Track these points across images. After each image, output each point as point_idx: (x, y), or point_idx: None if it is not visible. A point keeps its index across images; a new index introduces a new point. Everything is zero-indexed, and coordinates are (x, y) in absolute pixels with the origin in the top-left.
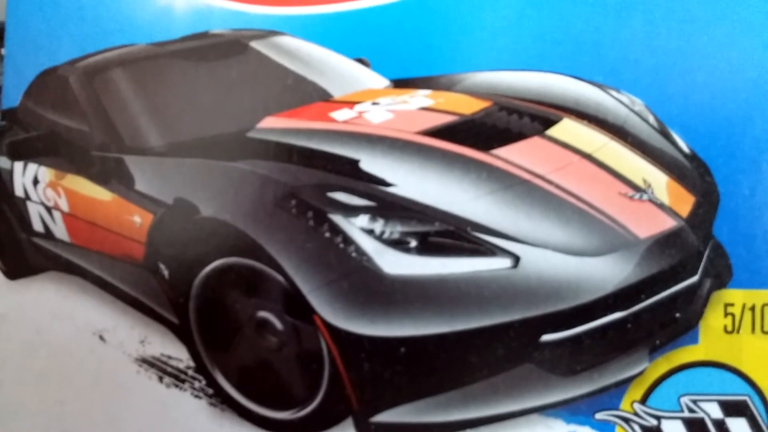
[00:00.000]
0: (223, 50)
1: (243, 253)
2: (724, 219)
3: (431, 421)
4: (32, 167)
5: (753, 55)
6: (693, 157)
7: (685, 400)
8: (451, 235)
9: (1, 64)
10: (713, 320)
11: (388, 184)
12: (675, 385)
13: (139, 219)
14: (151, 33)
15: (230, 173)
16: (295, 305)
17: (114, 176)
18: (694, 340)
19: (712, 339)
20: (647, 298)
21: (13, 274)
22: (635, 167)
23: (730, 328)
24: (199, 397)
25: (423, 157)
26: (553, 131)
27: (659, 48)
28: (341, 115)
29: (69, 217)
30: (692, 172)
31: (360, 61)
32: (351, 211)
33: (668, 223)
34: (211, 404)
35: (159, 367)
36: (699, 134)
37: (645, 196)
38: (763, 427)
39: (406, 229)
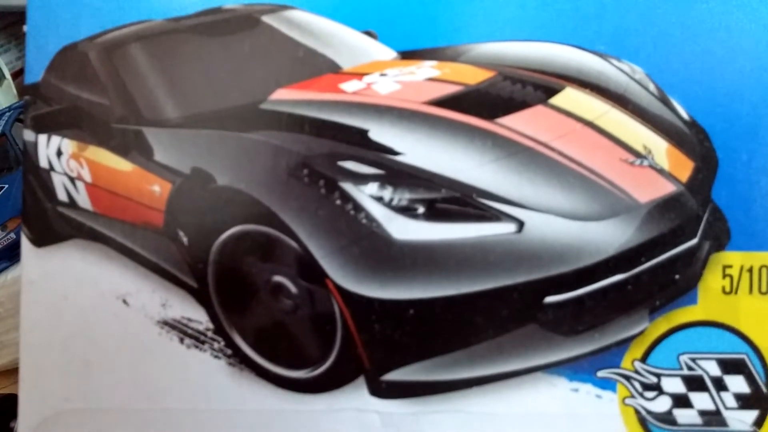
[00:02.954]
0: (235, 25)
1: (258, 220)
2: (722, 183)
3: (439, 379)
4: (55, 140)
5: (751, 24)
6: (692, 124)
7: (684, 358)
8: (457, 201)
9: (24, 41)
10: (712, 281)
11: (396, 153)
12: (674, 344)
13: (159, 188)
14: (167, 9)
15: (244, 143)
16: (309, 270)
17: (133, 147)
18: (693, 301)
19: (711, 300)
20: (647, 260)
21: (39, 242)
22: (636, 134)
23: (728, 289)
24: (218, 358)
25: (430, 127)
26: (555, 100)
27: (659, 17)
28: (350, 86)
29: (91, 187)
30: (691, 139)
31: (368, 33)
32: (361, 179)
33: (668, 188)
34: (230, 364)
35: (179, 329)
36: (698, 101)
37: (645, 162)
38: (761, 384)
39: (413, 196)
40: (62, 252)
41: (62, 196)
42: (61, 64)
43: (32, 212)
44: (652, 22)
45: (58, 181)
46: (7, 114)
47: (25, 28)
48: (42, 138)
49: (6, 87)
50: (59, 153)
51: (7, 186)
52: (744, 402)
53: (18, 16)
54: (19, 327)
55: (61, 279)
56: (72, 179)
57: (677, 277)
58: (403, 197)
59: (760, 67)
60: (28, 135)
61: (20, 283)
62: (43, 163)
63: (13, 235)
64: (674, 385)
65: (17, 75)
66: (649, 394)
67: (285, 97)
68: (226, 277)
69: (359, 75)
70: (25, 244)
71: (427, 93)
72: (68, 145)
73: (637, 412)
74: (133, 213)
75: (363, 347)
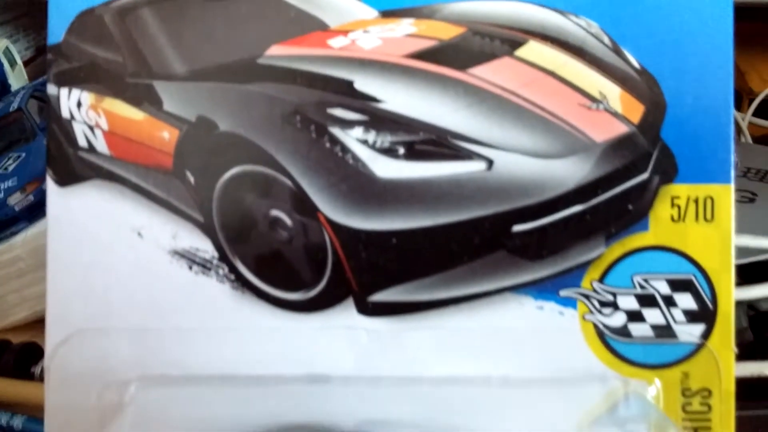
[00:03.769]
0: None
1: (256, 161)
2: (670, 124)
3: (419, 299)
4: (75, 93)
5: None
6: (643, 72)
7: (637, 278)
8: (433, 143)
9: (32, 32)
10: (661, 211)
11: (379, 101)
12: (628, 266)
13: (168, 134)
14: None
15: (243, 94)
16: (302, 205)
17: (145, 99)
18: (645, 228)
19: (661, 227)
20: (603, 192)
21: (62, 183)
22: (592, 82)
23: (676, 217)
24: (223, 282)
25: (409, 77)
26: (520, 52)
27: None
28: (337, 42)
29: (108, 134)
30: (642, 85)
31: None
32: (347, 124)
33: (621, 129)
34: (233, 288)
35: (188, 257)
36: (648, 52)
37: (601, 106)
38: (706, 301)
39: (395, 138)
40: (82, 191)
41: (82, 142)
42: (79, 26)
43: (56, 157)
44: None
45: (79, 129)
46: (23, 92)
47: None
48: (64, 91)
49: (18, 72)
50: (79, 104)
51: (24, 154)
52: (691, 317)
53: (25, 8)
54: (39, 282)
55: (82, 214)
56: (91, 127)
57: (630, 207)
58: (386, 140)
59: (703, 20)
60: (52, 89)
61: (40, 239)
62: (65, 114)
63: (31, 197)
64: (628, 303)
65: (26, 63)
66: (606, 310)
67: (279, 52)
68: (228, 212)
69: (345, 32)
70: (50, 185)
71: (406, 47)
72: (87, 98)
73: (595, 326)
74: (146, 156)
75: (351, 272)
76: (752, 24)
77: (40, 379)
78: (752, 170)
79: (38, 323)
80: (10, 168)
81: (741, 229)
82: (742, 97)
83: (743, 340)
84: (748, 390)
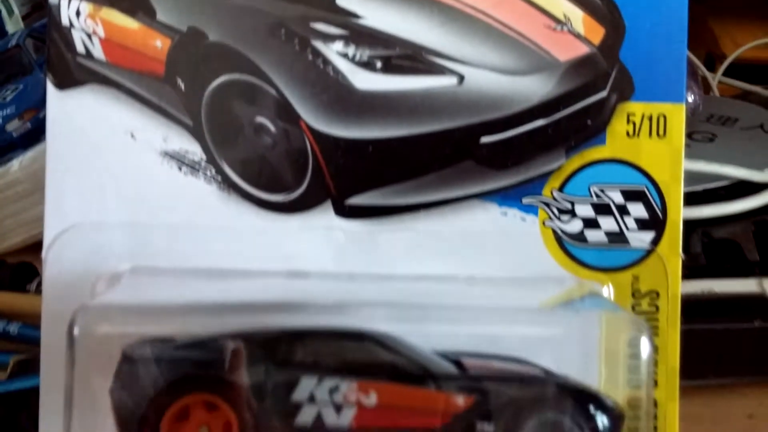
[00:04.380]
0: None
1: (243, 70)
2: (628, 47)
3: (393, 203)
4: (75, 2)
5: None
6: None
7: (594, 188)
8: (409, 58)
9: None
10: (618, 126)
11: (359, 17)
12: (586, 177)
13: (160, 43)
14: None
15: (232, 7)
16: (285, 112)
17: (139, 9)
18: (602, 142)
19: (617, 141)
20: (565, 108)
21: (61, 86)
22: (557, 5)
23: (631, 133)
24: (210, 183)
25: None
26: None
27: None
28: None
29: (105, 42)
30: (603, 9)
31: None
32: (329, 38)
33: (583, 49)
34: (220, 189)
35: (178, 159)
36: None
37: (565, 28)
38: (657, 210)
39: (373, 53)
40: (79, 95)
41: (80, 48)
42: None
43: (56, 62)
44: None
45: (77, 37)
46: (21, 31)
47: None
48: (64, 1)
49: (15, 20)
50: (78, 13)
51: (22, 86)
52: (643, 225)
53: None
54: (36, 205)
55: (79, 117)
56: (88, 35)
57: (589, 122)
58: (364, 54)
59: None
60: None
61: (38, 162)
62: (65, 22)
63: (29, 125)
64: (585, 211)
65: (24, 18)
66: (565, 217)
67: None
68: (216, 117)
69: None
70: (50, 88)
71: None
72: (85, 7)
73: (554, 232)
74: (139, 63)
75: (330, 177)
76: None
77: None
78: (715, 116)
79: (34, 248)
80: (9, 98)
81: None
82: (714, 60)
83: (697, 263)
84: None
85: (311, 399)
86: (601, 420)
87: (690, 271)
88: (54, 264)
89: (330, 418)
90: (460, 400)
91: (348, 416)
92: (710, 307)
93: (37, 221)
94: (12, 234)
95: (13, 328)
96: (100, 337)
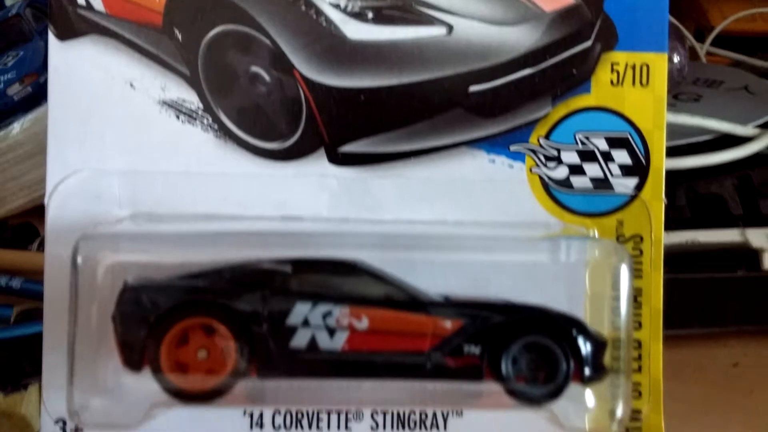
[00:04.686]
0: None
1: (239, 21)
2: None
3: (384, 151)
4: None
5: None
6: None
7: (579, 136)
8: (399, 8)
9: None
10: (602, 75)
11: None
12: (571, 125)
13: None
14: None
15: None
16: (280, 62)
17: None
18: (587, 91)
19: (601, 90)
20: (551, 58)
21: (62, 37)
22: None
23: (615, 82)
24: (207, 131)
25: None
26: None
27: None
28: None
29: None
30: None
31: None
32: None
33: (568, 0)
34: (217, 137)
35: (176, 107)
36: None
37: None
38: (640, 157)
39: (364, 3)
40: (80, 45)
41: (81, 0)
42: None
43: (57, 13)
44: None
45: None
46: (20, 1)
47: None
48: None
49: None
50: None
51: (22, 52)
52: (627, 171)
53: None
54: (38, 167)
55: (79, 66)
56: None
57: (574, 71)
58: (356, 5)
59: None
60: None
61: (39, 124)
62: None
63: (29, 89)
64: (571, 157)
65: None
66: (551, 164)
67: None
68: (212, 67)
69: None
70: (51, 39)
71: None
72: None
73: (541, 178)
74: (138, 14)
75: (323, 125)
76: None
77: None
78: (701, 79)
79: (35, 211)
80: (9, 63)
81: None
82: (704, 33)
83: (681, 216)
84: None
85: (305, 323)
86: (584, 344)
87: (675, 224)
88: (56, 210)
89: (323, 341)
90: (448, 324)
91: (341, 339)
92: (694, 258)
93: (38, 184)
94: (13, 197)
95: (16, 283)
96: (103, 264)
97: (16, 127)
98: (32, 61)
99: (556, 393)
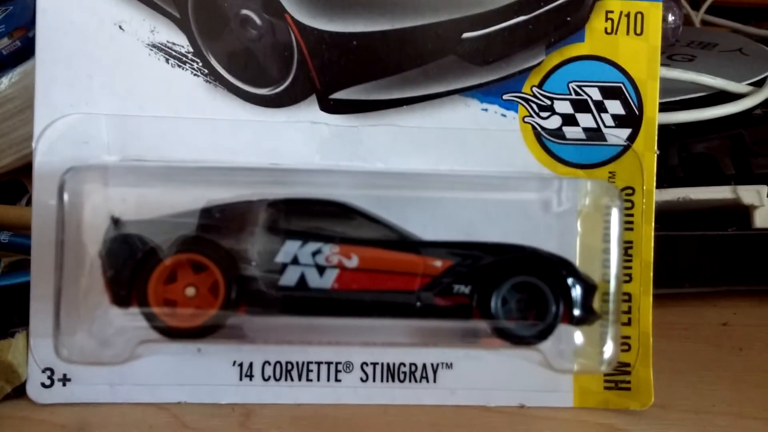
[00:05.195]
0: None
1: None
2: None
3: (376, 98)
4: None
5: None
6: None
7: (572, 85)
8: None
9: None
10: (596, 23)
11: None
12: (565, 74)
13: None
14: None
15: None
16: (271, 5)
17: None
18: (581, 39)
19: (595, 38)
20: (545, 5)
21: None
22: None
23: (609, 30)
24: (197, 76)
25: None
26: None
27: None
28: None
29: None
30: None
31: None
32: None
33: None
34: (207, 81)
35: (165, 51)
36: None
37: None
38: (633, 107)
39: None
40: None
41: None
42: None
43: None
44: None
45: None
46: None
47: None
48: None
49: None
50: None
51: (12, 7)
52: (620, 121)
53: None
54: (27, 123)
55: (67, 8)
56: None
57: (568, 19)
58: None
59: None
60: None
61: (28, 78)
62: None
63: (18, 43)
64: (564, 107)
65: None
66: (544, 114)
67: None
68: (202, 8)
69: None
70: None
71: None
72: None
73: (533, 128)
74: None
75: (315, 71)
76: None
77: None
78: (695, 42)
79: (25, 170)
80: None
81: None
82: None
83: (674, 175)
84: (673, 216)
85: (295, 261)
86: (574, 285)
87: (667, 183)
88: (43, 156)
89: (313, 279)
90: (438, 264)
91: (330, 278)
92: (686, 217)
93: (27, 140)
94: (2, 155)
95: (4, 237)
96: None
97: (5, 81)
98: (21, 16)
99: (545, 333)
